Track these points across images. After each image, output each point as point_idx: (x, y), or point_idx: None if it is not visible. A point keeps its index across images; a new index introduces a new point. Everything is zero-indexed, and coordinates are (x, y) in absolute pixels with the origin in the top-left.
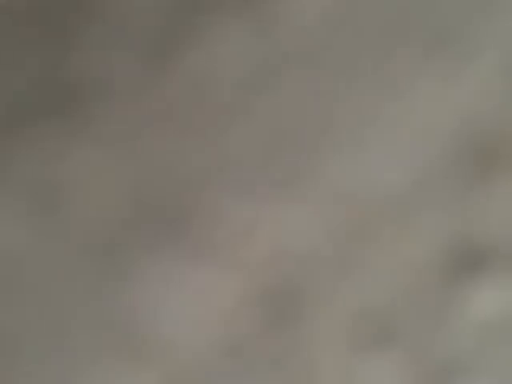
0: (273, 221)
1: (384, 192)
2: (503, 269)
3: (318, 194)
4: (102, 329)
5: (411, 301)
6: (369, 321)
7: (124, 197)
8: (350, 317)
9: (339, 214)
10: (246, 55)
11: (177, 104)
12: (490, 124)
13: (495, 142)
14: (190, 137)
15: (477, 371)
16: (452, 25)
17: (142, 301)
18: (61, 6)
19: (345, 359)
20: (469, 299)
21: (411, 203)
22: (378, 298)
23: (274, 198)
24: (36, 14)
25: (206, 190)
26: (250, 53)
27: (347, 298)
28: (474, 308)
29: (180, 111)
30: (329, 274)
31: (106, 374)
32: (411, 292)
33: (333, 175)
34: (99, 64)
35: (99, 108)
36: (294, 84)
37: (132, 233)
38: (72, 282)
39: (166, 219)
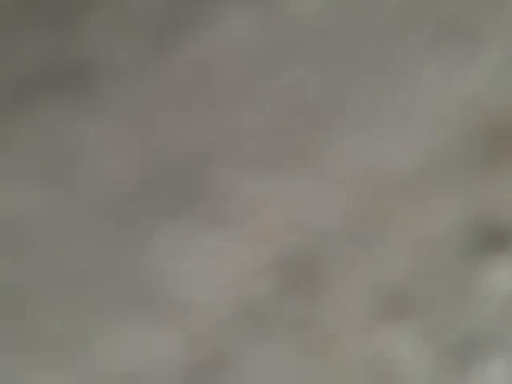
0: (291, 194)
1: (401, 166)
2: None
3: (336, 170)
4: (120, 289)
5: (431, 273)
6: (388, 293)
7: (137, 161)
8: (369, 288)
9: (358, 188)
10: (251, 36)
11: (183, 80)
12: (498, 108)
13: (506, 124)
14: (200, 111)
15: (497, 344)
16: (460, 13)
17: (159, 263)
18: None
19: (362, 327)
20: (488, 273)
21: (429, 178)
22: (397, 271)
23: (293, 172)
24: None
25: (221, 162)
26: (254, 35)
27: (365, 271)
28: (495, 281)
29: (186, 87)
30: (347, 247)
31: (124, 331)
32: (431, 265)
33: (350, 151)
34: (105, 44)
35: (107, 83)
36: (299, 67)
37: (147, 196)
38: (88, 243)
39: (181, 185)
